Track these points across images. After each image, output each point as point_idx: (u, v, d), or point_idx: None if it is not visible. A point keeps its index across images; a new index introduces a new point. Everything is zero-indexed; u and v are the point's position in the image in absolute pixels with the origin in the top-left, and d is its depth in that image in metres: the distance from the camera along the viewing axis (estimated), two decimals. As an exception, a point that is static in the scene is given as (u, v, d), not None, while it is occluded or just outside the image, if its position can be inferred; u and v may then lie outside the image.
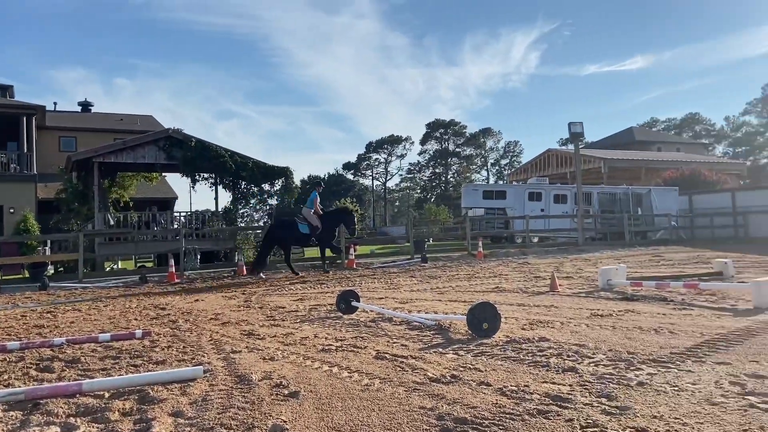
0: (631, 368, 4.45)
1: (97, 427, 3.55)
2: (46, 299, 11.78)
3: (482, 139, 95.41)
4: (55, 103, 41.21)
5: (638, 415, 3.41)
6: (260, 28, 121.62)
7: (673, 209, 27.78)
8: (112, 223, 21.27)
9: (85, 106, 42.13)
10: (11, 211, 26.79)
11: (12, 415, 3.79)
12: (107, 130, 35.79)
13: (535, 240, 24.98)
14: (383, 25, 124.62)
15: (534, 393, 3.90)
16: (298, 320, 7.61)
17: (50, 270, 18.94)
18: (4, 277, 17.22)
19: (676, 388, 3.91)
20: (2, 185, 27.33)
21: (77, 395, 4.17)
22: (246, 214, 27.09)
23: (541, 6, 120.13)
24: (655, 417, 3.36)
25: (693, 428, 3.18)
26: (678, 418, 3.33)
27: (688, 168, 35.35)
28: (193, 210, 24.64)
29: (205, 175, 23.15)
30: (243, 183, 22.60)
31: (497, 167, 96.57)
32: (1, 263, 17.30)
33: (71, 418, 3.73)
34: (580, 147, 27.71)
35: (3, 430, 3.56)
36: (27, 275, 18.12)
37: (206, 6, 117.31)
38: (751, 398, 3.64)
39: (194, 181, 22.73)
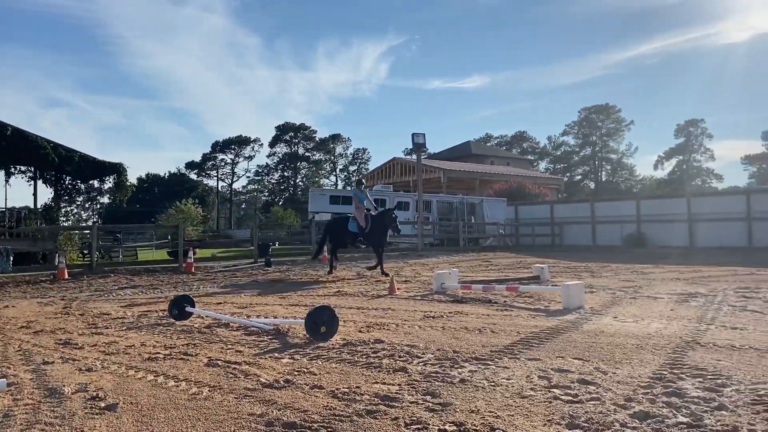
0: (455, 366, 4.74)
1: None
2: None
3: (332, 145, 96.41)
4: None
5: (458, 410, 3.64)
6: (95, 12, 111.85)
7: (501, 218, 30.19)
8: None
9: None
10: None
11: None
12: None
13: (379, 245, 25.66)
14: (233, 22, 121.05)
15: (365, 394, 3.99)
16: (124, 328, 7.09)
17: None
18: None
19: (493, 384, 4.22)
20: None
21: None
22: (73, 212, 24.73)
23: (391, 20, 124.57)
24: (472, 411, 3.61)
25: (505, 420, 3.45)
26: (492, 412, 3.60)
27: (515, 181, 38.66)
28: (7, 207, 21.94)
29: (23, 168, 20.76)
30: (68, 178, 20.63)
31: (346, 173, 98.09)
32: None
33: None
34: (423, 157, 29.09)
35: None
36: None
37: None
38: (555, 391, 4.04)
39: (8, 175, 20.29)
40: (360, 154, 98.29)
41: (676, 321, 6.77)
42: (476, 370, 4.61)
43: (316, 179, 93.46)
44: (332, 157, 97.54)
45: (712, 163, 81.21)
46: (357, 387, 4.17)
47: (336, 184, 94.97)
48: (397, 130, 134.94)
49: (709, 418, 3.38)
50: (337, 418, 3.50)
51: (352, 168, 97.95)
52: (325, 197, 28.67)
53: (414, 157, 28.08)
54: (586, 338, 5.85)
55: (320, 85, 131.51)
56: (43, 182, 21.17)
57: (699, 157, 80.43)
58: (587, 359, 4.94)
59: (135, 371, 4.80)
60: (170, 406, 3.81)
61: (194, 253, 17.96)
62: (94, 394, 4.09)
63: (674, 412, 3.51)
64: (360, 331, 6.41)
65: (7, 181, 20.40)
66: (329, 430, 3.31)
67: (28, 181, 21.21)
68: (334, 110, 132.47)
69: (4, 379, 4.38)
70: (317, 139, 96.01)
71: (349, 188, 70.08)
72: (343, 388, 4.15)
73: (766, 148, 71.72)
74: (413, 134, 22.72)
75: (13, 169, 20.35)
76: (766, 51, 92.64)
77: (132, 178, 22.77)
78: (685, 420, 3.37)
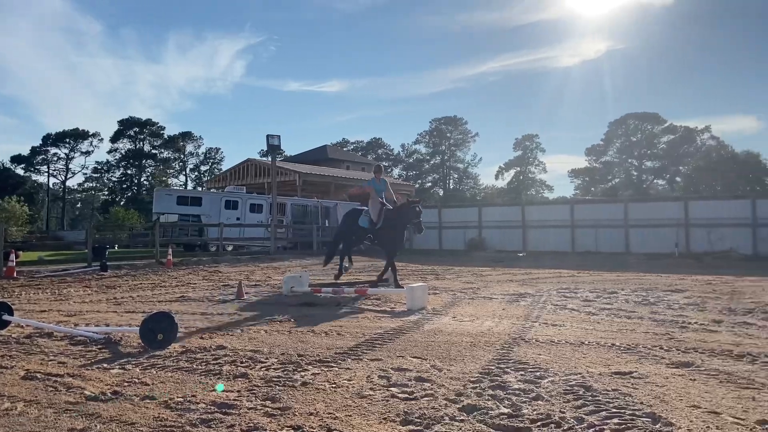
0: (299, 370, 4.72)
1: None
2: None
3: (182, 143, 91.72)
4: None
5: (297, 413, 3.63)
6: None
7: (355, 223, 30.69)
8: None
9: None
10: None
11: None
12: None
13: (230, 248, 24.94)
14: (72, 6, 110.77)
15: (200, 402, 3.84)
16: None
17: None
18: None
19: (335, 385, 4.27)
20: None
21: None
22: None
23: (249, 17, 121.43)
24: (311, 414, 3.62)
25: (342, 421, 3.50)
26: (331, 413, 3.63)
27: (369, 186, 39.52)
28: None
29: None
30: None
31: (197, 173, 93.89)
32: None
33: None
34: (278, 160, 28.75)
35: None
36: None
37: None
38: (393, 389, 4.17)
39: None
40: (213, 154, 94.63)
41: (507, 319, 7.32)
42: (319, 373, 4.64)
43: (164, 178, 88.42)
44: (182, 156, 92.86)
45: (545, 175, 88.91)
46: (193, 396, 3.99)
47: (186, 184, 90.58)
48: (253, 130, 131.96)
49: (527, 408, 3.70)
50: (168, 429, 3.33)
51: (203, 168, 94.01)
52: (171, 197, 27.17)
53: (269, 158, 27.63)
54: (425, 338, 6.13)
55: (171, 80, 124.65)
56: None
57: (533, 169, 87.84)
58: (425, 357, 5.17)
59: (-70, 390, 4.20)
60: (-29, 428, 3.38)
61: (17, 257, 16.12)
62: None
63: (497, 404, 3.79)
64: (202, 338, 6.16)
65: None
66: (158, 442, 3.14)
67: None
68: (186, 107, 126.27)
69: None
70: (166, 136, 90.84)
71: (199, 189, 67.17)
72: (178, 397, 3.96)
73: (588, 163, 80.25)
74: (268, 135, 22.37)
75: None
76: (592, 76, 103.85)
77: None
78: (506, 411, 3.65)
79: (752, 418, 3.47)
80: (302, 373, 4.62)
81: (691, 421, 3.42)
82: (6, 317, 6.77)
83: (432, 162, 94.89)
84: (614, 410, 3.63)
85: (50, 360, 5.22)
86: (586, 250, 24.99)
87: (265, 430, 3.34)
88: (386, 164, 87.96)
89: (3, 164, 78.66)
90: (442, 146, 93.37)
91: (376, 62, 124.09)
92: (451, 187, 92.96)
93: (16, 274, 14.68)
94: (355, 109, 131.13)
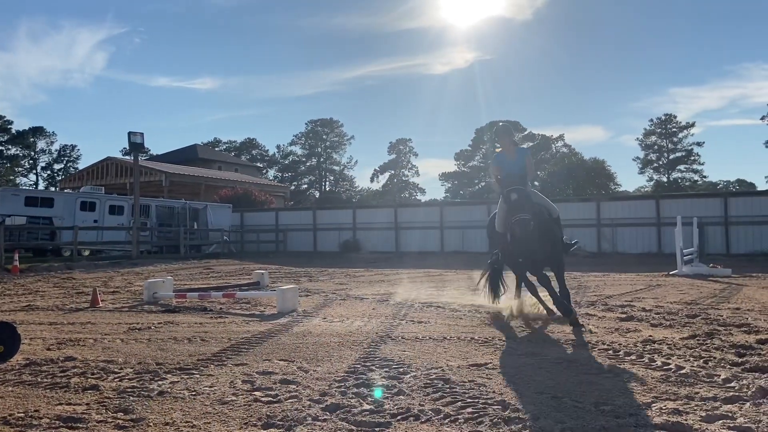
0: (156, 379, 4.50)
1: None
2: None
3: (32, 139, 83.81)
4: None
5: (151, 424, 3.45)
6: None
7: (226, 225, 29.81)
8: None
9: None
10: None
11: None
12: None
13: (86, 253, 23.18)
14: None
15: (44, 417, 3.53)
16: None
17: None
18: None
19: (194, 393, 4.12)
20: None
21: None
22: None
23: (110, 6, 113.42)
24: (167, 424, 3.46)
25: (201, 429, 3.38)
26: (189, 421, 3.50)
27: (242, 187, 38.59)
28: None
29: None
30: None
31: (49, 172, 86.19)
32: None
33: None
34: (143, 159, 27.18)
35: None
36: None
37: None
38: (257, 393, 4.10)
39: None
40: (68, 152, 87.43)
41: (375, 318, 7.48)
42: (178, 381, 4.44)
43: (11, 177, 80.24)
44: (32, 153, 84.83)
45: (418, 178, 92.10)
46: (36, 410, 3.66)
47: (36, 184, 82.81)
48: (115, 127, 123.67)
49: (389, 403, 3.80)
50: (2, 450, 3.03)
51: (57, 166, 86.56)
52: (19, 198, 24.68)
53: (131, 157, 26.04)
54: (294, 340, 6.09)
55: (20, 70, 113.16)
56: None
57: (407, 172, 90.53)
58: (292, 360, 5.14)
59: None
60: None
61: None
62: None
63: (361, 401, 3.86)
64: (49, 349, 5.67)
65: None
66: (-12, 466, 2.84)
67: None
68: (38, 100, 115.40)
69: None
70: (14, 131, 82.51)
71: (53, 189, 61.66)
72: (18, 413, 3.62)
73: (457, 167, 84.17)
74: (130, 133, 21.11)
75: None
76: (460, 84, 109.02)
77: None
78: (369, 407, 3.72)
79: (589, 400, 3.83)
80: (160, 382, 4.40)
81: (536, 406, 3.70)
82: None
83: (308, 164, 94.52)
84: (469, 400, 3.83)
85: None
86: (455, 250, 26.17)
87: (115, 443, 3.14)
88: (261, 165, 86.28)
89: None
90: (318, 148, 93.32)
91: (251, 61, 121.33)
92: (327, 189, 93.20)
93: None
94: (228, 108, 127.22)
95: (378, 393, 4.05)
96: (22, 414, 3.61)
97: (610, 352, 5.31)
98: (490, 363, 4.89)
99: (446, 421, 3.48)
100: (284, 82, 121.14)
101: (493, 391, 4.03)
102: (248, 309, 8.61)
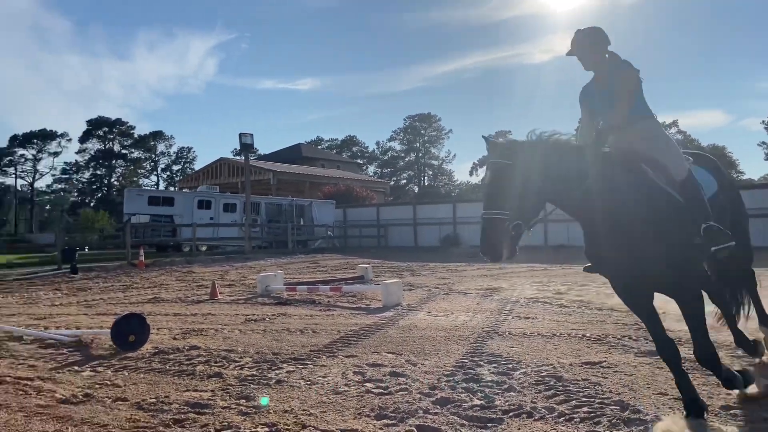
0: (273, 368, 4.72)
1: None
2: None
3: (153, 143, 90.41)
4: None
5: (271, 411, 3.63)
6: None
7: (330, 221, 30.65)
8: None
9: None
10: None
11: None
12: None
13: (203, 249, 24.69)
14: (38, 3, 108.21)
15: (174, 403, 3.82)
16: None
17: None
18: None
19: (309, 382, 4.28)
20: None
21: None
22: None
23: (220, 14, 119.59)
24: (286, 411, 3.62)
25: (317, 417, 3.51)
26: (306, 410, 3.64)
27: (344, 184, 39.50)
28: None
29: None
30: None
31: (168, 173, 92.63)
32: None
33: None
34: (252, 158, 28.57)
35: None
36: None
37: None
38: (368, 384, 4.20)
39: None
40: (185, 153, 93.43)
41: (480, 313, 7.40)
42: (294, 371, 4.64)
43: (135, 179, 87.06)
44: (153, 156, 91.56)
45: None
46: (166, 396, 3.97)
47: (157, 185, 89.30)
48: (226, 129, 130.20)
49: (500, 399, 3.75)
50: (141, 430, 3.30)
51: (175, 167, 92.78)
52: (142, 197, 26.76)
53: (242, 157, 27.41)
54: (401, 333, 6.17)
55: (141, 78, 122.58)
56: None
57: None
58: (400, 353, 5.20)
59: None
60: (-63, 435, 3.31)
61: (-18, 261, 15.75)
62: None
63: (471, 396, 3.84)
64: (175, 338, 6.11)
65: None
66: (130, 443, 3.11)
67: None
68: (157, 105, 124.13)
69: None
70: (136, 135, 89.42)
71: (171, 189, 66.20)
72: (150, 398, 3.93)
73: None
74: (241, 134, 22.20)
75: None
76: (561, 71, 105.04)
77: None
78: (479, 403, 3.70)
79: (716, 403, 3.57)
80: (277, 372, 4.62)
81: (658, 408, 3.51)
82: (-28, 322, 6.62)
83: (407, 159, 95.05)
84: (584, 399, 3.70)
85: (20, 363, 5.12)
86: (559, 244, 25.31)
87: (239, 428, 3.33)
88: (361, 162, 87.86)
89: (-33, 166, 76.59)
90: (417, 143, 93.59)
91: (350, 59, 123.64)
92: (426, 183, 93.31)
93: (-18, 278, 14.32)
94: (328, 107, 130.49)
95: (484, 390, 4.01)
96: (154, 399, 3.92)
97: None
98: (605, 361, 4.69)
99: (561, 420, 3.38)
100: (382, 78, 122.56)
101: (610, 391, 3.87)
102: (354, 302, 8.81)
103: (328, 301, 8.93)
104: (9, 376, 4.60)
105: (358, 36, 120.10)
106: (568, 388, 3.97)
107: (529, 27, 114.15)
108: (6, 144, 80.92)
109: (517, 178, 3.21)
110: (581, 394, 3.82)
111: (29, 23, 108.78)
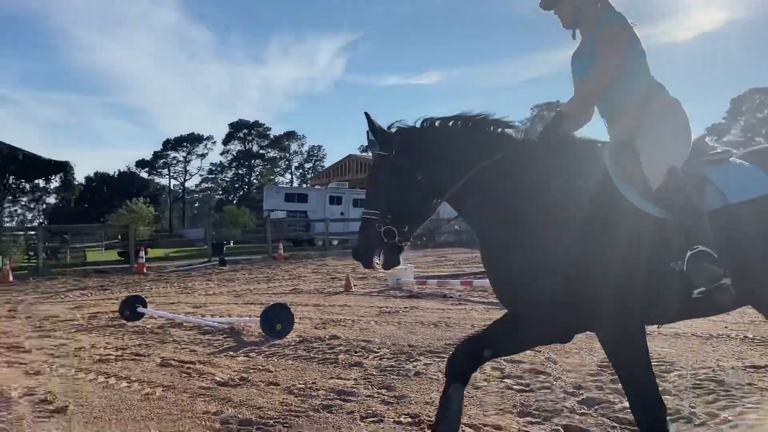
0: (411, 360, 4.79)
1: None
2: None
3: (287, 142, 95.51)
4: None
5: (413, 402, 3.69)
6: (35, 3, 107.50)
7: (456, 214, 30.54)
8: None
9: None
10: None
11: None
12: None
13: (335, 243, 25.69)
14: (185, 17, 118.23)
15: (320, 389, 4.00)
16: (74, 330, 6.89)
17: None
18: None
19: (448, 375, 4.29)
20: None
21: None
22: (17, 213, 23.80)
23: (346, 15, 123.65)
24: (427, 403, 3.66)
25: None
26: (446, 402, 3.66)
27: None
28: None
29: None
30: (11, 178, 19.80)
31: (301, 171, 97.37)
32: None
33: None
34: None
35: None
36: None
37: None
38: (508, 381, 4.13)
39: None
40: (315, 152, 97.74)
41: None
42: (431, 363, 4.68)
43: (271, 177, 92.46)
44: (287, 155, 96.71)
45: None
46: (313, 383, 4.17)
47: (291, 182, 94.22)
48: (353, 126, 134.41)
49: (653, 402, 3.52)
50: (293, 413, 3.50)
51: (307, 165, 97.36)
52: (280, 195, 28.41)
53: (370, 153, 28.08)
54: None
55: (275, 81, 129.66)
56: (-16, 182, 20.34)
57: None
58: (539, 350, 5.05)
59: (85, 373, 4.69)
60: (122, 407, 3.74)
61: (146, 253, 17.55)
62: (43, 397, 3.97)
63: (620, 398, 3.64)
64: (316, 328, 6.40)
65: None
66: (286, 425, 3.31)
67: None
68: (289, 107, 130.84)
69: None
70: (272, 136, 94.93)
71: (304, 186, 69.44)
72: (299, 384, 4.15)
73: (709, 142, 74.68)
74: (368, 131, 22.74)
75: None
76: (707, 50, 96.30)
77: (79, 176, 21.95)
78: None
79: None
80: (414, 363, 4.68)
81: (843, 421, 3.12)
82: (141, 309, 7.41)
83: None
84: (750, 406, 3.38)
85: (182, 348, 5.64)
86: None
87: (384, 417, 3.42)
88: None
89: (129, 169, 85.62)
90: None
91: (472, 50, 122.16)
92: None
93: (145, 269, 15.98)
94: (452, 100, 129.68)
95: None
96: (303, 385, 4.13)
97: None
98: (773, 366, 4.24)
99: (724, 426, 3.11)
100: (506, 69, 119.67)
101: (782, 399, 3.50)
102: (486, 297, 8.69)
103: (459, 295, 8.90)
104: (174, 360, 5.08)
105: (480, 26, 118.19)
106: (730, 393, 3.64)
107: (667, 3, 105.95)
108: (160, 148, 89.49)
109: (392, 172, 2.70)
110: (745, 399, 3.49)
111: (179, 37, 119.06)
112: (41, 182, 20.28)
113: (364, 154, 47.18)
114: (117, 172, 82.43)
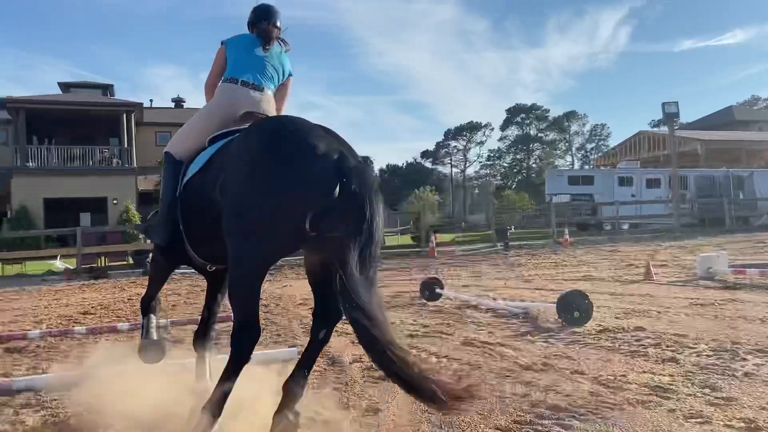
0: (737, 359, 4.22)
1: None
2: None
3: (566, 123, 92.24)
4: (151, 100, 43.11)
5: (746, 405, 3.25)
6: (337, 19, 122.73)
7: (778, 193, 25.87)
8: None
9: (178, 102, 44.10)
10: (114, 202, 28.77)
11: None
12: (199, 125, 37.42)
13: (625, 227, 24.00)
14: (462, 10, 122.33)
15: (632, 383, 3.78)
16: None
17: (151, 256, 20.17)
18: (110, 264, 18.54)
19: (788, 381, 3.67)
20: (107, 178, 29.40)
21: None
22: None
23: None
24: (763, 408, 3.19)
25: (810, 424, 2.98)
26: (790, 412, 3.14)
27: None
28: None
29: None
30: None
31: (582, 152, 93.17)
32: (108, 251, 18.67)
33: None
34: (675, 128, 26.30)
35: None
36: (131, 262, 19.38)
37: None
38: None
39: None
40: (598, 131, 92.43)
41: None
42: (763, 364, 4.06)
43: (551, 160, 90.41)
44: (567, 136, 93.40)
45: None
46: (622, 375, 3.96)
47: (572, 164, 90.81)
48: (641, 101, 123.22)
49: None
50: (606, 405, 3.37)
51: (589, 146, 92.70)
52: (563, 178, 27.64)
53: (663, 128, 25.54)
54: None
55: (552, 61, 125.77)
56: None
57: None
58: None
59: (400, 346, 5.22)
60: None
61: (435, 238, 18.78)
62: (369, 364, 4.54)
63: None
64: (617, 318, 6.07)
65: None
66: (599, 416, 3.21)
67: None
68: (568, 86, 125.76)
69: (295, 348, 5.12)
70: (550, 118, 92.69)
71: (587, 167, 66.26)
72: (607, 375, 3.99)
73: None
74: (664, 103, 20.69)
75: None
76: None
77: (375, 170, 24.39)
78: None
79: None
80: (741, 363, 4.11)
81: None
82: (438, 290, 7.96)
83: None
84: None
85: (480, 329, 5.89)
86: None
87: (711, 419, 3.08)
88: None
89: (415, 160, 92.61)
90: None
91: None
92: None
93: (435, 253, 17.12)
94: (766, 60, 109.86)
95: None
96: (611, 376, 3.95)
97: None
98: None
99: None
100: None
101: None
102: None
103: (792, 288, 7.54)
104: (476, 340, 5.33)
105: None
106: None
107: None
108: (441, 138, 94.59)
109: None
110: None
111: (455, 29, 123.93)
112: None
113: (656, 129, 42.98)
114: (405, 164, 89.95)
